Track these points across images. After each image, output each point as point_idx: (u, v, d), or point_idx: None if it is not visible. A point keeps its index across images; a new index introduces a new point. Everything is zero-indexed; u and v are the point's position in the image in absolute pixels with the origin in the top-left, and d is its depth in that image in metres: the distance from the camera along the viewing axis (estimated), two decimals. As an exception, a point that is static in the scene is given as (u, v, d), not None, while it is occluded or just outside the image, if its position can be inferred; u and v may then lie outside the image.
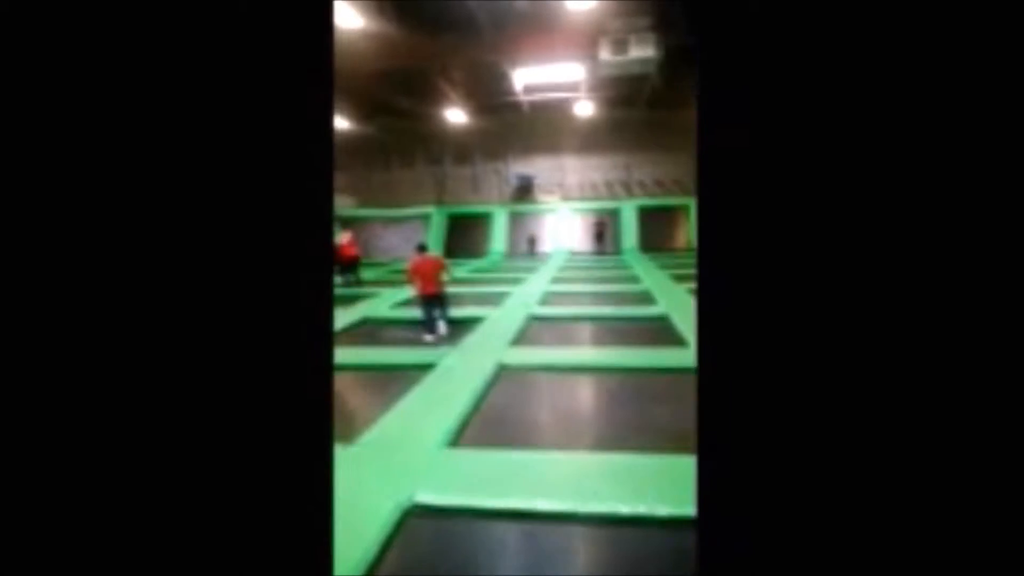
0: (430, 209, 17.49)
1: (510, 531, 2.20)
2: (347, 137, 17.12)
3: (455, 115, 15.64)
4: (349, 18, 8.28)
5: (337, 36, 9.25)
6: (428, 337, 5.84)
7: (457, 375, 4.17)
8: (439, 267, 5.95)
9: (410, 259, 6.37)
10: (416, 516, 2.30)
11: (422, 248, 6.22)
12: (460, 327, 5.97)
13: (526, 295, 8.06)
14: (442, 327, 5.89)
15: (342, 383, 4.55)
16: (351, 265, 7.98)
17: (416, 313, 6.12)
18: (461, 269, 12.22)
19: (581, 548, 2.12)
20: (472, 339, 5.37)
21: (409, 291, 6.75)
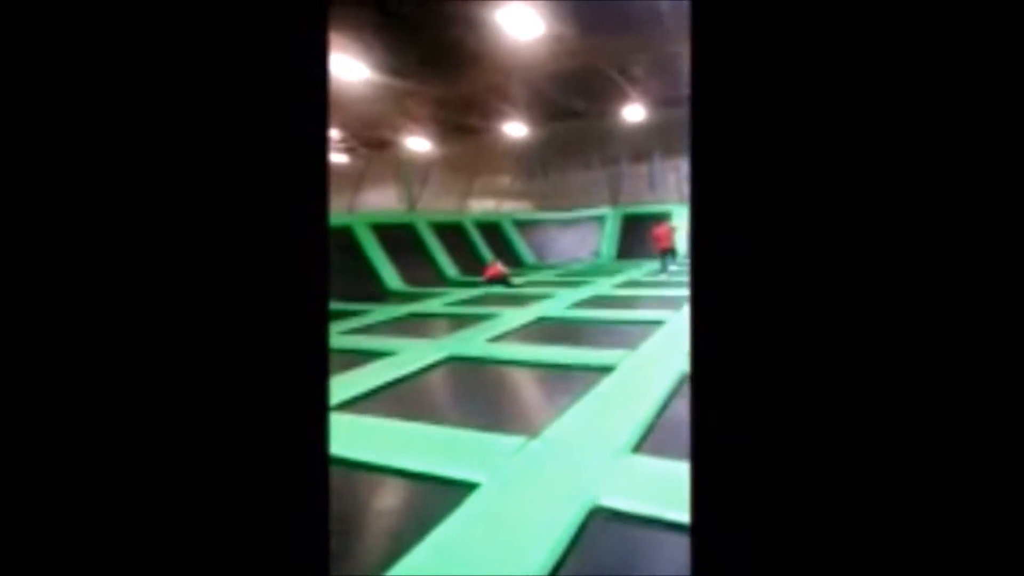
0: (605, 210, 17.41)
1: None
2: (524, 142, 17.87)
3: (633, 112, 15.31)
4: (532, 26, 8.61)
5: (517, 45, 9.67)
6: (662, 276, 10.53)
7: (639, 379, 4.07)
8: (670, 231, 11.04)
9: (655, 227, 11.29)
10: (601, 518, 2.29)
11: (660, 219, 11.08)
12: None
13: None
14: (672, 267, 10.90)
15: (519, 379, 4.75)
16: (502, 279, 11.57)
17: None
18: (636, 271, 11.94)
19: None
20: (652, 344, 5.18)
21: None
